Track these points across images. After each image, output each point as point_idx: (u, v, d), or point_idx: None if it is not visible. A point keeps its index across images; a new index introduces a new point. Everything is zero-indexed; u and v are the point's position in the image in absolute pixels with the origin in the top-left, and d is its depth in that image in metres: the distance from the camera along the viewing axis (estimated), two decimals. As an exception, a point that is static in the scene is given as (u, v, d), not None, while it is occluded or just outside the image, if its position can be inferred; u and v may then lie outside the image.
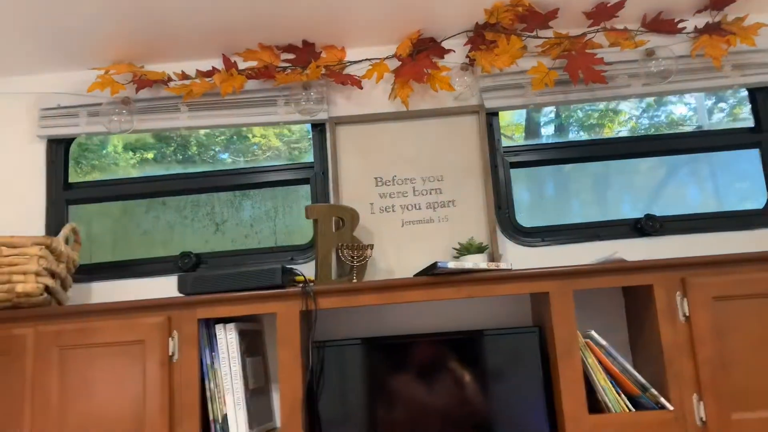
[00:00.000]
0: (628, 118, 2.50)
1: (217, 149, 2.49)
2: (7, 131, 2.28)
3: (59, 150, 2.29)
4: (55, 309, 1.79)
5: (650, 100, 2.45)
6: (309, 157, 2.28)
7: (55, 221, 2.23)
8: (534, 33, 2.14)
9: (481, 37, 2.17)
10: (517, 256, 2.12)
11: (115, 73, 2.18)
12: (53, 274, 1.88)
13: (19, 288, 1.77)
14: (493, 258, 2.08)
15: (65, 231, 1.95)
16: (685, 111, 2.48)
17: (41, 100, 2.26)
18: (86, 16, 1.97)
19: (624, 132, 2.47)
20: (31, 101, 2.28)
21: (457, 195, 2.16)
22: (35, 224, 2.22)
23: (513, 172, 2.24)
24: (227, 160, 2.46)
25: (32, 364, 1.74)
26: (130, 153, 2.50)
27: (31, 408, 1.72)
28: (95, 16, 1.97)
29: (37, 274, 1.80)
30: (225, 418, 1.75)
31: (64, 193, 2.26)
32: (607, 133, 2.48)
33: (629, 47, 2.15)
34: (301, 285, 1.78)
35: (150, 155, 2.49)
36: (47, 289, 1.83)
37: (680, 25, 2.15)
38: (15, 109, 2.29)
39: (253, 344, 1.94)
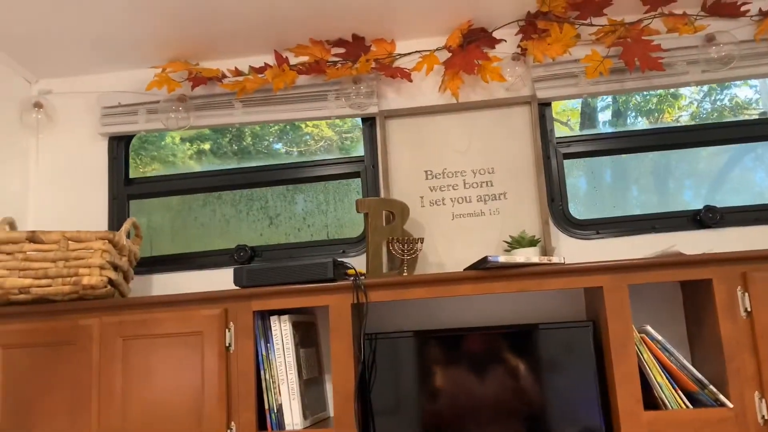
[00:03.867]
0: (688, 102, 2.42)
1: (270, 139, 2.53)
2: (71, 129, 2.38)
3: (120, 147, 2.38)
4: (119, 301, 1.86)
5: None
6: (360, 148, 2.30)
7: (117, 215, 2.32)
8: (588, 21, 2.09)
9: (532, 26, 2.13)
10: (571, 250, 2.09)
11: (171, 71, 2.24)
12: (116, 267, 1.95)
13: (85, 281, 1.85)
14: (545, 251, 2.05)
15: (126, 225, 2.02)
16: (750, 94, 2.38)
17: (103, 99, 2.35)
18: (142, 17, 2.04)
19: (685, 117, 2.39)
20: (93, 100, 2.37)
21: (509, 187, 2.14)
22: (98, 218, 2.32)
23: (566, 160, 2.20)
24: (281, 150, 2.50)
25: (98, 354, 1.82)
26: (187, 144, 2.57)
27: (98, 395, 1.80)
28: (151, 16, 2.03)
29: (101, 267, 1.88)
30: (280, 407, 1.80)
31: (126, 188, 2.35)
32: (667, 119, 2.41)
33: (688, 33, 2.07)
34: (352, 278, 1.80)
35: (206, 146, 2.55)
36: (110, 281, 1.91)
37: (743, 8, 2.06)
38: (79, 108, 2.39)
39: (306, 336, 1.98)
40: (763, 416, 1.59)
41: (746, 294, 1.64)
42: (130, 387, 1.80)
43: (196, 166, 2.53)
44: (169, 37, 2.17)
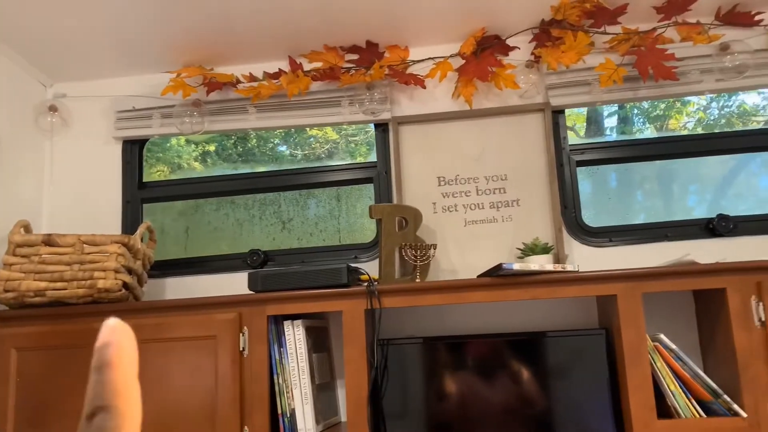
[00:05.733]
0: (696, 109, 2.43)
1: (275, 141, 2.54)
2: (86, 133, 2.40)
3: (134, 150, 2.39)
4: (134, 304, 1.87)
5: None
6: (365, 151, 2.31)
7: (130, 219, 2.33)
8: (602, 29, 2.10)
9: (546, 33, 2.14)
10: (584, 257, 2.09)
11: (186, 76, 2.25)
12: (130, 271, 1.97)
13: (100, 284, 1.86)
14: (558, 259, 2.06)
15: (141, 229, 2.03)
16: (758, 100, 2.38)
17: (117, 103, 2.36)
18: (158, 22, 2.05)
19: (691, 123, 2.39)
20: (108, 104, 2.38)
21: (522, 194, 2.15)
22: (112, 222, 2.33)
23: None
24: (285, 153, 2.51)
25: (112, 357, 1.83)
26: (192, 146, 2.58)
27: (112, 398, 1.81)
28: (166, 21, 2.05)
29: (116, 271, 1.89)
30: (293, 411, 1.80)
31: (139, 192, 2.36)
32: (674, 125, 2.41)
33: (702, 42, 2.08)
34: (365, 284, 1.81)
35: (211, 147, 2.56)
36: (125, 285, 1.92)
37: (757, 18, 2.07)
38: (93, 111, 2.40)
39: (319, 341, 1.98)
40: (777, 426, 1.59)
41: (761, 303, 1.64)
42: (144, 390, 1.79)
43: (200, 168, 2.54)
44: (184, 43, 2.18)
